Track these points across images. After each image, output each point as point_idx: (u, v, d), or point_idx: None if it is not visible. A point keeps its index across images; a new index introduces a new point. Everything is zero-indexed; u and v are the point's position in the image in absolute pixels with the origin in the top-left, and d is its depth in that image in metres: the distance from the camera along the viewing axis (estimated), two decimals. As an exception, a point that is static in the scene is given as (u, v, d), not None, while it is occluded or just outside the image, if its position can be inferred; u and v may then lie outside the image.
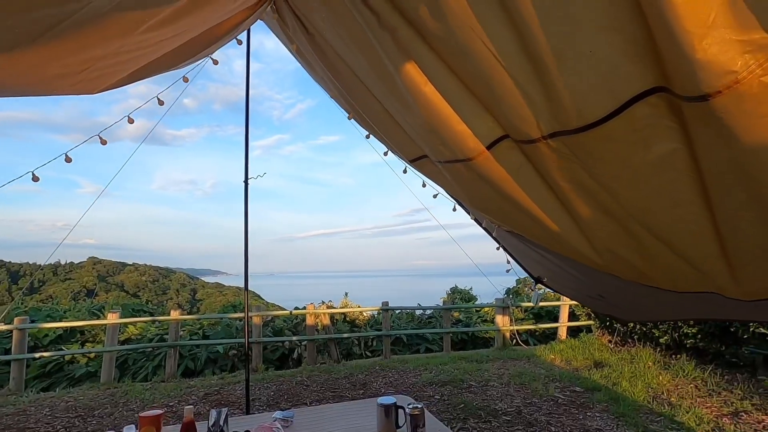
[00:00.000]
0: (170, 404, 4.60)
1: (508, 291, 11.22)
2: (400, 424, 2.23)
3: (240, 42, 3.19)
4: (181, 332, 6.81)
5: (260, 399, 4.71)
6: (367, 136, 2.75)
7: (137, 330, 7.38)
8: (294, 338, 6.95)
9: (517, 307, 8.30)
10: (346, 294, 10.12)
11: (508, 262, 3.23)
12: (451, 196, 2.76)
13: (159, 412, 2.10)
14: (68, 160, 2.28)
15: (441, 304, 9.34)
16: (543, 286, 3.78)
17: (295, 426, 2.42)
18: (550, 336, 8.36)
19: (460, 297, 11.26)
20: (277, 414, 2.51)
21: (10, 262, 60.91)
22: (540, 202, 1.61)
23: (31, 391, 5.49)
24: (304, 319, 7.40)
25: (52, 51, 1.18)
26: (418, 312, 9.37)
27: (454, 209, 2.98)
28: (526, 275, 3.85)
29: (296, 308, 9.83)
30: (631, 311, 3.28)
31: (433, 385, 5.04)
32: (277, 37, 2.64)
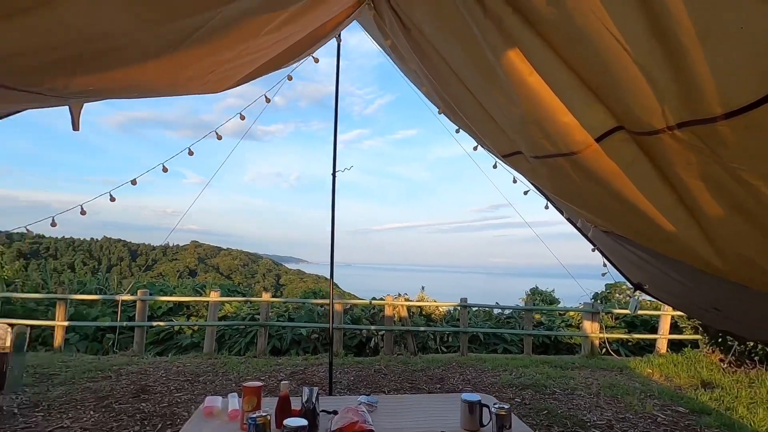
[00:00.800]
0: (262, 378, 5.02)
1: (596, 296, 10.42)
2: (484, 422, 2.19)
3: (339, 39, 3.33)
4: (270, 313, 7.38)
5: (341, 382, 4.93)
6: (457, 131, 2.72)
7: (232, 308, 8.13)
8: (372, 327, 7.15)
9: (607, 313, 7.68)
10: (423, 288, 10.16)
11: (605, 265, 3.00)
12: (544, 193, 2.63)
13: (259, 384, 2.29)
14: (191, 153, 2.58)
15: (520, 305, 8.98)
16: (642, 293, 3.45)
17: (379, 411, 2.50)
18: (646, 348, 7.61)
19: (541, 299, 10.71)
20: (362, 398, 2.61)
21: (130, 242, 70.40)
22: (654, 199, 1.47)
23: (149, 355, 6.35)
24: (381, 310, 7.58)
25: (187, 56, 1.34)
26: (496, 311, 9.10)
27: (546, 207, 2.84)
28: (623, 280, 3.54)
29: (374, 299, 10.12)
30: (756, 328, 2.86)
31: (513, 388, 4.87)
32: (369, 34, 2.71)
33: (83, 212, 2.95)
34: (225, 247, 77.08)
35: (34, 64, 1.02)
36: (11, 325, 4.74)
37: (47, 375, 4.83)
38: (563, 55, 1.27)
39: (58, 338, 6.32)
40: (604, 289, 10.30)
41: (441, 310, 8.85)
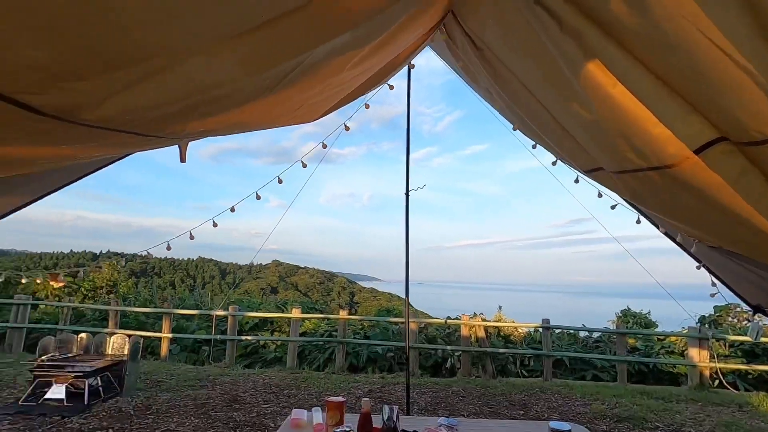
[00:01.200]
0: (341, 394, 5.14)
1: (702, 319, 9.22)
2: (575, 455, 2.04)
3: (411, 66, 3.46)
4: (347, 331, 7.59)
5: (418, 403, 4.89)
6: (534, 146, 2.65)
7: (312, 325, 8.48)
8: (448, 348, 7.01)
9: (719, 340, 6.75)
10: (500, 307, 9.77)
11: (714, 284, 2.68)
12: (637, 207, 2.45)
13: (342, 399, 2.36)
14: (280, 182, 2.83)
15: (610, 327, 8.24)
16: (764, 317, 3.02)
17: (460, 435, 2.44)
18: (772, 382, 6.53)
19: (634, 321, 9.72)
20: (442, 420, 2.57)
21: (220, 262, 76.67)
22: (771, 213, 1.31)
23: (239, 366, 6.83)
24: (456, 329, 7.42)
25: (280, 97, 1.49)
26: (582, 334, 8.45)
27: (638, 221, 2.63)
28: (738, 301, 3.13)
29: (449, 318, 9.92)
30: None
31: (607, 419, 4.45)
32: (440, 56, 2.77)
33: (192, 237, 3.35)
34: (303, 266, 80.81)
35: (161, 114, 1.21)
36: (128, 336, 5.40)
37: (155, 381, 5.40)
38: (650, 65, 1.21)
39: (164, 349, 7.06)
40: (712, 312, 9.10)
41: (520, 331, 8.43)
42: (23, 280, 2.71)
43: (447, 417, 2.61)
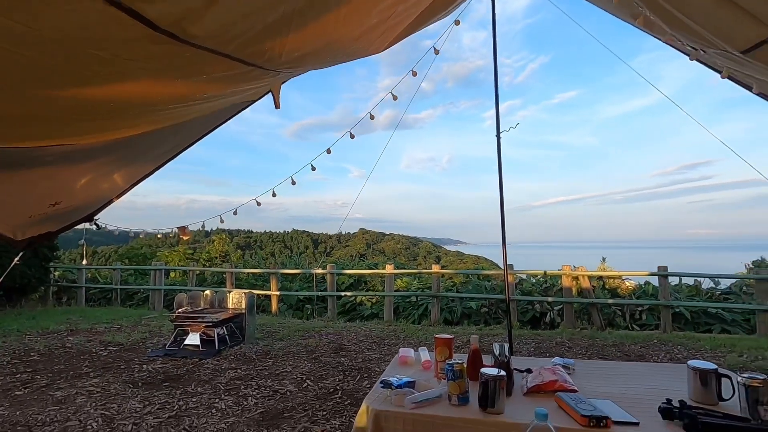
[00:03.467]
0: (440, 344, 5.20)
1: None
2: (724, 396, 1.79)
3: (458, 22, 3.18)
4: (440, 286, 7.60)
5: (521, 352, 4.75)
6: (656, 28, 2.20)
7: (403, 284, 8.66)
8: (549, 299, 6.67)
9: None
10: (604, 259, 9.00)
11: None
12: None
13: (451, 336, 2.33)
14: (328, 152, 2.89)
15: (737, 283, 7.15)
16: None
17: (578, 374, 2.28)
18: None
19: (773, 271, 8.32)
20: (557, 360, 2.43)
21: (312, 233, 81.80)
22: None
23: (340, 320, 7.26)
24: (555, 283, 7.02)
25: (343, 24, 1.40)
26: (706, 284, 7.45)
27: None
28: None
29: (545, 272, 9.43)
30: None
31: (749, 371, 3.90)
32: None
33: (258, 204, 3.63)
34: (388, 233, 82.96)
35: (260, 27, 1.19)
36: (244, 292, 6.00)
37: (270, 332, 5.97)
38: None
39: (274, 305, 7.76)
40: None
41: (628, 284, 7.68)
42: (159, 234, 3.06)
43: (561, 357, 2.46)
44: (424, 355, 2.60)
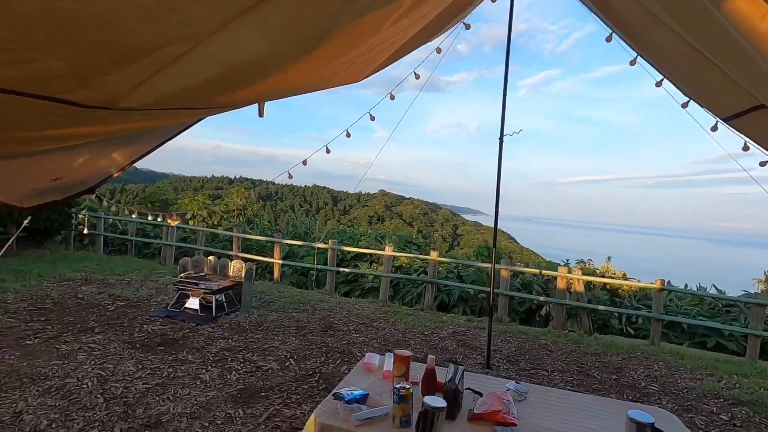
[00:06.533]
0: (425, 333, 5.37)
1: None
2: (655, 452, 1.85)
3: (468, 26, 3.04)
4: (440, 268, 7.70)
5: (501, 351, 4.87)
6: (659, 83, 2.13)
7: (407, 259, 8.79)
8: (541, 298, 6.71)
9: None
10: (609, 258, 8.90)
11: None
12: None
13: (409, 354, 2.44)
14: (372, 118, 2.93)
15: (752, 290, 6.99)
16: None
17: (528, 403, 2.37)
18: None
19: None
20: (511, 385, 2.51)
21: (332, 189, 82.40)
22: None
23: (337, 294, 7.51)
24: (555, 278, 7.01)
25: (323, 57, 1.38)
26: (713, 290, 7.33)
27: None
28: None
29: (548, 263, 9.40)
30: None
31: (720, 400, 3.92)
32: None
33: (305, 163, 3.88)
34: (408, 197, 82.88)
35: (200, 92, 1.21)
36: (245, 260, 6.23)
37: (267, 302, 6.25)
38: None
39: (276, 272, 8.05)
40: None
41: (630, 283, 7.62)
42: (150, 218, 3.22)
43: (517, 383, 2.54)
44: (389, 363, 2.71)
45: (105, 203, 3.28)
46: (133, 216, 9.12)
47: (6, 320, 4.64)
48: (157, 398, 3.29)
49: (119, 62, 0.88)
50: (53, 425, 2.86)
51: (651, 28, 1.69)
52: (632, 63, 2.37)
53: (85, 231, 8.12)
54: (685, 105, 2.75)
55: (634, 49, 2.29)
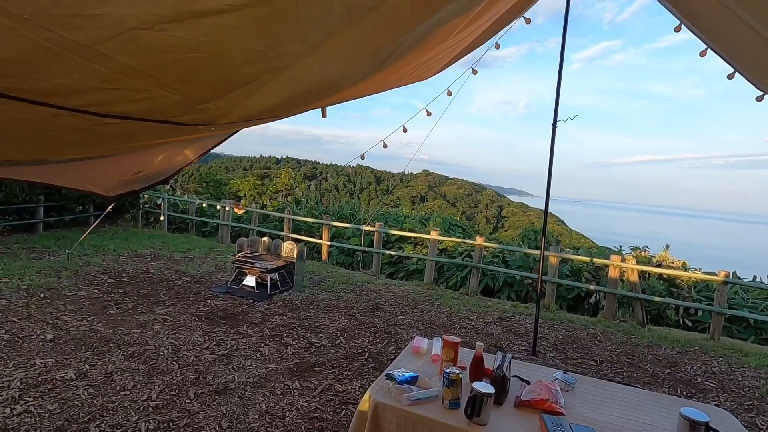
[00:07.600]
0: (470, 318, 5.45)
1: None
2: (709, 451, 1.85)
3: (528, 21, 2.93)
4: (485, 252, 7.68)
5: (548, 339, 4.86)
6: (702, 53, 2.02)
7: (452, 243, 8.83)
8: (591, 287, 6.55)
9: None
10: (667, 246, 8.45)
11: None
12: None
13: (458, 340, 2.53)
14: (449, 94, 2.98)
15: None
16: None
17: (575, 393, 2.40)
18: None
19: None
20: (559, 374, 2.55)
21: (376, 170, 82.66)
22: None
23: (383, 275, 7.71)
24: (606, 265, 6.80)
25: (388, 72, 1.46)
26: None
27: None
28: None
29: (602, 249, 9.07)
30: None
31: None
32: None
33: (385, 146, 4.23)
34: (452, 177, 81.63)
35: (281, 110, 1.34)
36: (297, 241, 6.54)
37: (317, 281, 6.55)
38: None
39: (324, 253, 8.38)
40: None
41: (692, 273, 7.22)
42: (217, 206, 3.48)
43: (565, 372, 2.58)
44: (437, 347, 2.82)
45: (178, 192, 3.60)
46: (204, 205, 9.82)
47: (92, 291, 5.22)
48: (224, 367, 3.63)
49: (222, 92, 1.02)
50: (138, 386, 3.25)
51: (723, 20, 1.61)
52: (702, 54, 2.24)
53: (162, 217, 8.79)
54: (730, 76, 2.53)
55: (704, 41, 2.16)
